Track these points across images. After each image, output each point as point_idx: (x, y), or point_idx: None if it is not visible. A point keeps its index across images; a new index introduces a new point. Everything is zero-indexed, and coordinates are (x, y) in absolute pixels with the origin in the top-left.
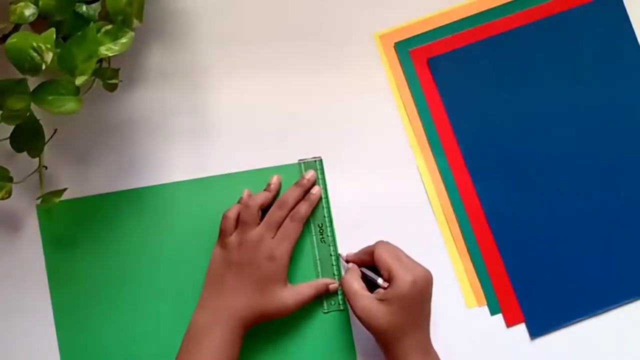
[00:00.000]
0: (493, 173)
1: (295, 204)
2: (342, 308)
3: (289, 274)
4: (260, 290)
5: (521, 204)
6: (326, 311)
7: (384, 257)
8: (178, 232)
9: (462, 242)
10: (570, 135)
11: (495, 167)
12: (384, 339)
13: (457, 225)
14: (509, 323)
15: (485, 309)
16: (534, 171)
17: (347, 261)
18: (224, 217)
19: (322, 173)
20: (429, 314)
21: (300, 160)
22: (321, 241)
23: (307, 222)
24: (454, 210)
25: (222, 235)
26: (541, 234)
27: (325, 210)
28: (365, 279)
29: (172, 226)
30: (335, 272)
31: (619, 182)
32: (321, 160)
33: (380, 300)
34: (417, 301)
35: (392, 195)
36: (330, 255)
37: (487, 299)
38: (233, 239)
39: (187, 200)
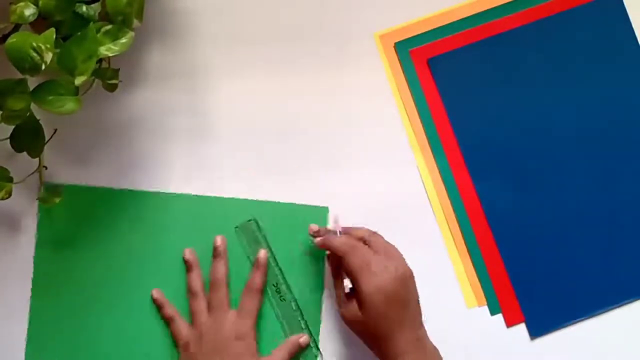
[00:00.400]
0: (493, 173)
1: (227, 275)
2: (317, 356)
3: (258, 343)
4: None
5: (521, 204)
6: None
7: (350, 268)
8: (171, 242)
9: (462, 242)
10: (570, 135)
11: (495, 167)
12: (370, 343)
13: (457, 225)
14: (509, 323)
15: (485, 309)
16: (534, 171)
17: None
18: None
19: (260, 231)
20: (412, 314)
21: (235, 227)
22: (280, 300)
23: None
24: (454, 210)
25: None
26: (541, 234)
27: (275, 268)
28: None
29: (167, 236)
30: (303, 327)
31: (619, 182)
32: (256, 221)
33: (359, 305)
34: (392, 303)
35: (392, 195)
36: (294, 310)
37: (487, 299)
38: (190, 334)
39: (183, 214)
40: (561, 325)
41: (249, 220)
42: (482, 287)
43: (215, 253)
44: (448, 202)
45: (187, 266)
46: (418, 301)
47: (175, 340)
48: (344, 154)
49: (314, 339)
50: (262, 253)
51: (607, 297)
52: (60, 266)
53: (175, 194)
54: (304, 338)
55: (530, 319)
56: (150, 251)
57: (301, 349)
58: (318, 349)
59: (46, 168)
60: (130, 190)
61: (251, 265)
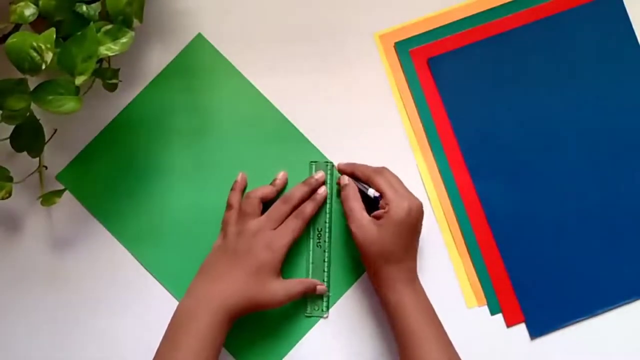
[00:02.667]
0: (493, 173)
1: (300, 201)
2: (325, 315)
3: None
4: (253, 279)
5: (521, 204)
6: (308, 315)
7: (381, 185)
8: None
9: (462, 242)
10: (570, 135)
11: (495, 167)
12: (374, 262)
13: (457, 225)
14: (509, 323)
15: (485, 309)
16: (534, 171)
17: (341, 172)
18: (228, 205)
19: (332, 178)
20: (417, 246)
21: (312, 161)
22: (317, 245)
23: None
24: (454, 210)
25: (224, 225)
26: (541, 234)
27: (327, 215)
28: (362, 198)
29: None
30: (326, 279)
31: (619, 182)
32: (332, 164)
33: (376, 222)
34: (410, 230)
35: None
36: (324, 261)
37: (487, 299)
38: (232, 228)
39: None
40: (561, 325)
41: (327, 162)
42: (482, 287)
43: (309, 181)
44: (448, 202)
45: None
46: (419, 240)
47: (221, 224)
48: (344, 154)
49: (328, 298)
50: (322, 189)
51: (607, 297)
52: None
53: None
54: (322, 287)
55: (530, 319)
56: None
57: (314, 295)
58: (327, 309)
59: (46, 168)
60: (102, 131)
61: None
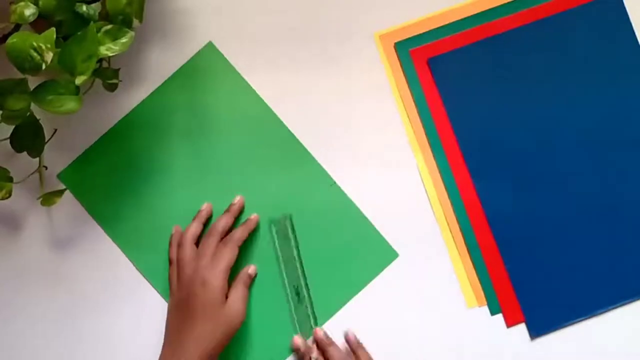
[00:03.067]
0: (493, 173)
1: (226, 231)
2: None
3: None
4: (210, 317)
5: (521, 203)
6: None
7: None
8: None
9: (462, 242)
10: (570, 135)
11: (495, 167)
12: None
13: (457, 225)
14: (509, 323)
15: (485, 309)
16: (534, 171)
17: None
18: (169, 261)
19: (293, 231)
20: None
21: (270, 220)
22: (298, 302)
23: (282, 284)
24: (454, 210)
25: (169, 283)
26: (541, 233)
27: (299, 270)
28: None
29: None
30: (313, 325)
31: (619, 182)
32: (290, 217)
33: None
34: None
35: (392, 195)
36: (308, 316)
37: (487, 299)
38: (174, 283)
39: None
40: (561, 325)
41: (284, 215)
42: (482, 287)
43: (231, 209)
44: (448, 202)
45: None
46: None
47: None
48: (344, 154)
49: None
50: (254, 215)
51: (607, 297)
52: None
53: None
54: (251, 268)
55: (530, 319)
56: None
57: (251, 278)
58: None
59: (46, 168)
60: (105, 134)
61: (277, 262)
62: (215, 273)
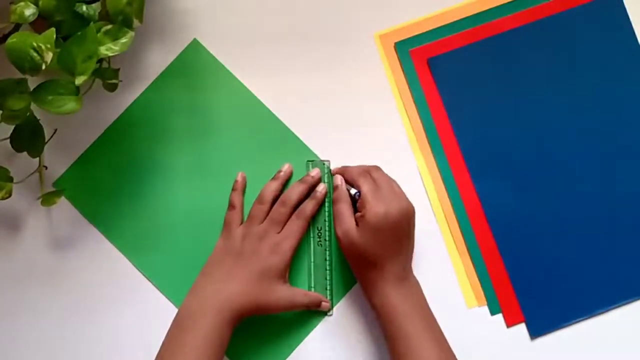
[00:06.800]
0: (493, 173)
1: (299, 201)
2: (330, 314)
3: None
4: (259, 281)
5: (521, 203)
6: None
7: (362, 186)
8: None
9: (462, 242)
10: (570, 135)
11: (495, 167)
12: (355, 266)
13: (457, 225)
14: (509, 323)
15: (485, 309)
16: (534, 171)
17: (333, 174)
18: (231, 205)
19: (330, 176)
20: (407, 248)
21: (308, 160)
22: (318, 244)
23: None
24: (454, 210)
25: (227, 226)
26: (541, 233)
27: (326, 214)
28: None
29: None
30: (328, 277)
31: (619, 182)
32: (329, 163)
33: (357, 225)
34: (391, 234)
35: None
36: (325, 259)
37: (487, 299)
38: (238, 231)
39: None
40: (561, 325)
41: (324, 161)
42: (482, 287)
43: (305, 179)
44: (448, 202)
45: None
46: (413, 239)
47: (224, 224)
48: (343, 154)
49: (332, 295)
50: (322, 187)
51: (607, 297)
52: (110, 212)
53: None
54: (326, 303)
55: (530, 319)
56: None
57: (317, 308)
58: (332, 307)
59: (46, 168)
60: (102, 135)
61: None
62: (287, 246)
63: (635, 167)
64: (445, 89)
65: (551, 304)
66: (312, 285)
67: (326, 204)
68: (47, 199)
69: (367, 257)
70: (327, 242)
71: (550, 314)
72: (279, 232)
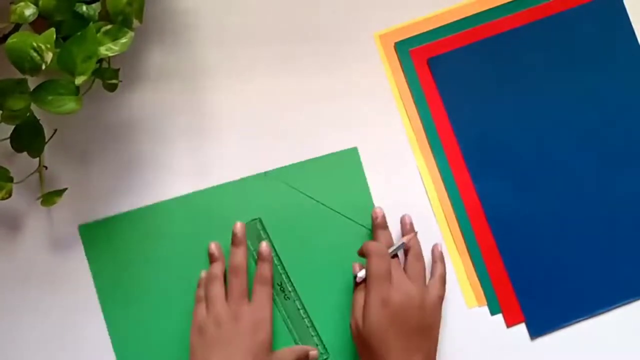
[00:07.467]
0: (493, 173)
1: (246, 262)
2: (326, 357)
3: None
4: (242, 355)
5: (521, 203)
6: None
7: (369, 273)
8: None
9: (462, 242)
10: (570, 135)
11: (495, 167)
12: (360, 353)
13: (457, 225)
14: (509, 323)
15: (485, 309)
16: (534, 171)
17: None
18: (197, 298)
19: (265, 232)
20: (423, 342)
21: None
22: (285, 299)
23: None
24: (454, 210)
25: (194, 320)
26: (541, 234)
27: (279, 267)
28: None
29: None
30: (308, 324)
31: (619, 182)
32: (260, 220)
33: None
34: (396, 327)
35: (392, 195)
36: (298, 309)
37: (487, 299)
38: (206, 320)
39: (198, 211)
40: (561, 325)
41: (253, 220)
42: (482, 287)
43: (235, 240)
44: (448, 202)
45: (211, 258)
46: (435, 332)
47: (192, 321)
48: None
49: (320, 339)
50: (264, 246)
51: (607, 297)
52: (113, 275)
53: (180, 196)
54: (314, 352)
55: (530, 319)
56: (177, 255)
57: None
58: (326, 349)
59: (46, 168)
60: (140, 209)
61: (255, 264)
62: (265, 316)
63: (635, 167)
64: (445, 89)
65: (551, 304)
66: (297, 339)
67: (274, 260)
68: (47, 199)
69: (370, 349)
70: (291, 293)
71: (550, 314)
72: (248, 305)
